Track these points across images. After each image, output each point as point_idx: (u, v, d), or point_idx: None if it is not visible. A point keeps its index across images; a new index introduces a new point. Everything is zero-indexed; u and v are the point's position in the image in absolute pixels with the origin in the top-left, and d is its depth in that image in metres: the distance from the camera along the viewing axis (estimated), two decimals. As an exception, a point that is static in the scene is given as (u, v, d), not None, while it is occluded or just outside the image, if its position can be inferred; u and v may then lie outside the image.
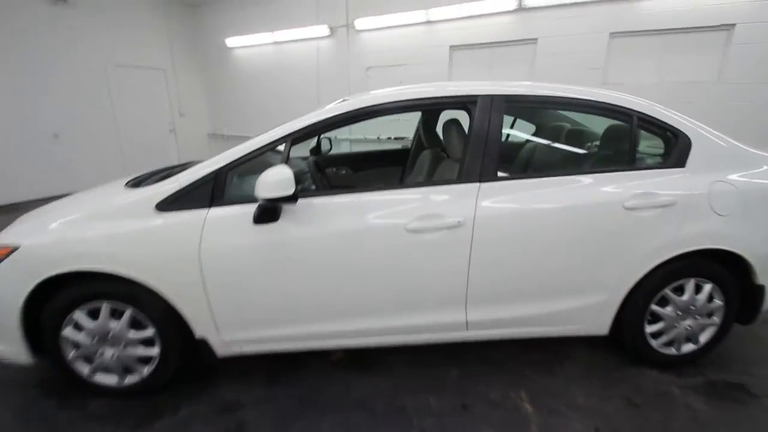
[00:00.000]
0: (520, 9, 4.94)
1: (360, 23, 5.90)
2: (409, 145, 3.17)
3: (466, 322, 1.74)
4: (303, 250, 1.58)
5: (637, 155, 1.77)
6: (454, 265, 1.64)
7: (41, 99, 5.70)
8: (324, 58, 6.50)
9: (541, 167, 2.01)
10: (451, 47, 5.55)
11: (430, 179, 2.34)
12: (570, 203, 1.65)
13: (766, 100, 4.13)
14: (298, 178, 2.00)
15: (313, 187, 1.90)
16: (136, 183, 1.80)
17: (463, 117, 1.99)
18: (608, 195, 1.67)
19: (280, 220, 1.55)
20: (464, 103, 1.70)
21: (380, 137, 6.01)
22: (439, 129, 2.75)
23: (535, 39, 5.02)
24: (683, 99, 4.34)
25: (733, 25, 4.12)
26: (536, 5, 4.84)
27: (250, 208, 1.55)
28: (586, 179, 1.70)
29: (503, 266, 1.67)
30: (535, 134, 2.78)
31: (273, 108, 7.23)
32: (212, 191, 1.57)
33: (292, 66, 6.86)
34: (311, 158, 2.46)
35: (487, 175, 1.64)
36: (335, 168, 3.09)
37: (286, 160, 1.56)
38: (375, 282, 1.65)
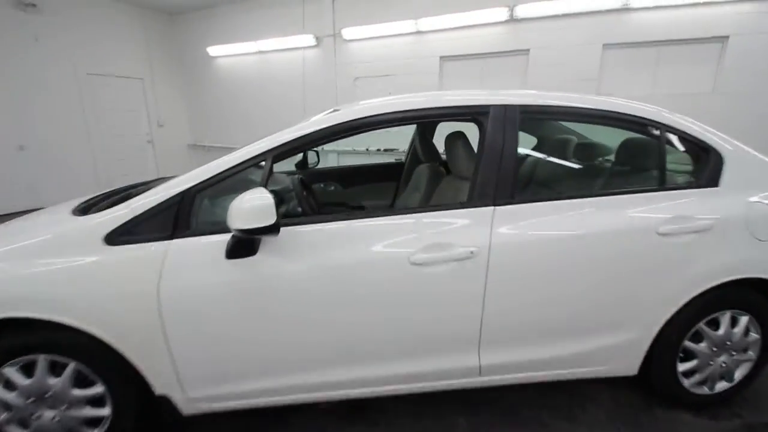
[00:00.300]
0: (512, 20, 4.84)
1: (347, 33, 5.72)
2: (402, 159, 2.95)
3: (480, 367, 1.50)
4: (287, 289, 1.32)
5: (667, 173, 1.58)
6: (466, 302, 1.40)
7: (4, 108, 5.30)
8: (310, 68, 6.29)
9: (558, 187, 1.80)
10: (442, 58, 5.41)
11: (429, 197, 2.11)
12: (599, 229, 1.43)
13: (761, 113, 4.09)
14: (282, 198, 1.75)
15: (299, 209, 1.64)
16: (85, 208, 1.51)
17: (465, 129, 1.78)
18: (640, 219, 1.46)
19: (258, 253, 1.28)
20: (474, 114, 1.48)
21: (369, 149, 5.79)
22: (436, 140, 2.55)
23: (527, 50, 4.92)
24: (678, 111, 4.25)
25: (727, 36, 4.09)
26: (528, 16, 4.75)
27: (223, 239, 1.29)
28: (613, 200, 1.50)
29: (523, 302, 1.44)
30: (537, 148, 2.59)
31: (257, 118, 6.96)
32: (175, 219, 1.30)
33: (277, 76, 6.62)
34: (296, 175, 2.20)
35: (502, 197, 1.42)
36: (323, 184, 2.84)
37: (266, 182, 1.31)
38: (374, 324, 1.39)
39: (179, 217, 1.30)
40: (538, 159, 2.10)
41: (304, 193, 1.83)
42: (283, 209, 1.62)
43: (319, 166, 2.97)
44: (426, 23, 5.22)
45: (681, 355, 1.63)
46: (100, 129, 6.39)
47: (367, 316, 1.38)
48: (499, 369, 1.52)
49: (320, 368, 1.43)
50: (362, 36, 5.69)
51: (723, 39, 4.12)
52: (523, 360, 1.52)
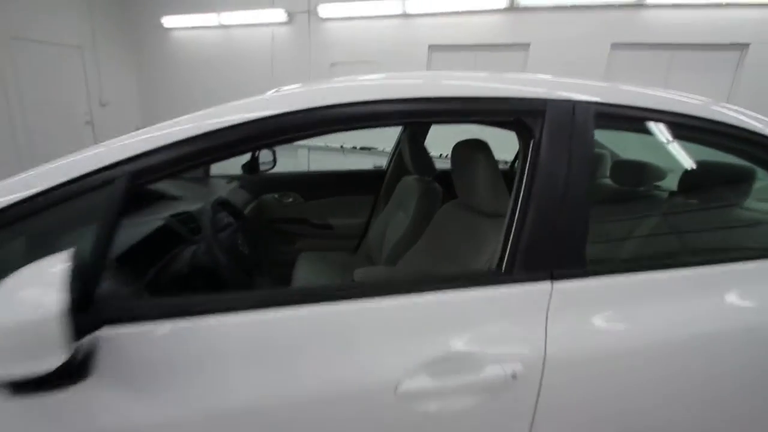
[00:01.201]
0: (512, 8, 4.27)
1: (324, 10, 4.98)
2: (384, 166, 2.31)
3: None
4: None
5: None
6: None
7: None
8: (281, 48, 5.50)
9: (636, 243, 1.19)
10: (431, 47, 4.77)
11: (419, 224, 1.49)
12: (718, 325, 0.84)
13: (779, 131, 3.72)
14: (195, 225, 1.06)
15: (212, 269, 0.95)
16: None
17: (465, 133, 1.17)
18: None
19: (93, 376, 0.61)
20: (520, 113, 0.84)
21: (344, 146, 5.09)
22: (428, 145, 1.93)
23: (528, 44, 4.37)
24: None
25: (747, 44, 3.68)
26: (531, 5, 4.19)
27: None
28: (716, 272, 0.91)
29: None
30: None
31: (219, 101, 6.05)
32: None
33: (243, 54, 5.78)
34: (216, 196, 1.40)
35: (564, 265, 0.80)
36: (278, 194, 2.15)
37: (107, 246, 0.62)
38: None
39: None
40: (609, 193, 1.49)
41: (219, 231, 1.12)
42: (178, 264, 0.93)
43: (276, 170, 2.28)
44: (414, 5, 4.56)
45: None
46: (24, 105, 5.35)
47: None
48: None
49: None
50: (341, 15, 4.96)
51: (743, 47, 3.71)
52: None
